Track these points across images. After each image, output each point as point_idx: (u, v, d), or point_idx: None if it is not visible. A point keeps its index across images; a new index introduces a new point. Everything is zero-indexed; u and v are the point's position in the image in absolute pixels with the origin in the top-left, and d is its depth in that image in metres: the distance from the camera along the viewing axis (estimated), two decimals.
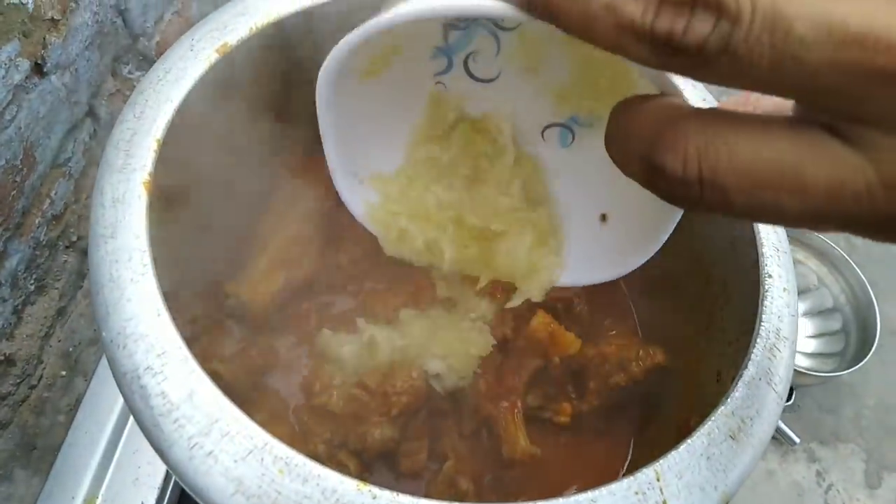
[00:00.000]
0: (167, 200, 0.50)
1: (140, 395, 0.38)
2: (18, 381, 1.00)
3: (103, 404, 0.75)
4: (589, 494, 0.40)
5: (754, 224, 0.54)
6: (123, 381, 0.39)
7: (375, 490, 0.38)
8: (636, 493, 0.41)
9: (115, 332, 0.39)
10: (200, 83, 0.48)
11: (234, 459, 0.37)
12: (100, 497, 0.70)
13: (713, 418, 0.44)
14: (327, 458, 0.58)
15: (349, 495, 0.37)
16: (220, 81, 0.58)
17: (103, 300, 0.40)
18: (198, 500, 0.38)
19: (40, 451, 1.02)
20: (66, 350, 1.08)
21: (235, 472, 0.37)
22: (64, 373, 1.08)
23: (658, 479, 0.42)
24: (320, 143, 0.77)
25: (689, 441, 0.43)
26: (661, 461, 0.42)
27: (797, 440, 1.32)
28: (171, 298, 0.49)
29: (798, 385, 1.37)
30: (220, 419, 0.38)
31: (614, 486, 0.41)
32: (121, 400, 0.76)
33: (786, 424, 1.34)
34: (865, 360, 1.28)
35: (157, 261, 0.43)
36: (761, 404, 0.46)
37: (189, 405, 0.38)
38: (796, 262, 1.49)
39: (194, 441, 0.37)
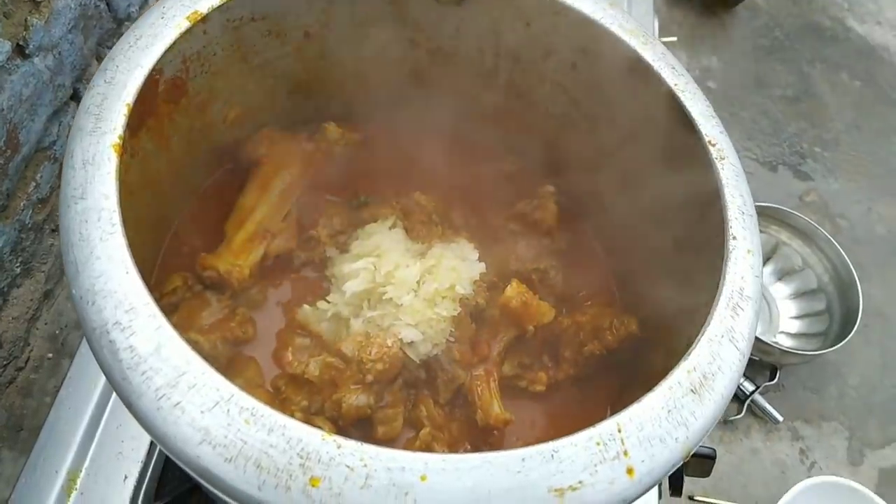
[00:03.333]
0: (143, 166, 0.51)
1: (109, 350, 0.39)
2: (5, 362, 1.00)
3: (87, 380, 0.76)
4: (551, 445, 0.41)
5: (721, 187, 0.55)
6: (93, 337, 0.40)
7: (340, 439, 0.39)
8: (597, 444, 0.42)
9: (85, 289, 0.40)
10: (170, 50, 0.49)
11: (201, 410, 0.38)
12: (83, 471, 0.71)
13: (674, 373, 0.45)
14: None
15: (314, 444, 0.38)
16: (200, 52, 0.59)
17: (73, 258, 0.41)
18: (165, 450, 0.38)
19: (27, 432, 1.02)
20: (52, 333, 1.09)
21: (202, 423, 0.38)
22: (51, 355, 1.08)
23: (619, 431, 0.43)
24: (302, 118, 0.77)
25: (649, 394, 0.44)
26: (622, 413, 0.43)
27: (780, 419, 1.34)
28: (150, 268, 0.49)
29: (782, 364, 1.39)
30: (186, 372, 0.39)
31: (576, 438, 0.42)
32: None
33: (770, 404, 1.35)
34: (848, 338, 1.30)
35: (132, 226, 0.44)
36: (723, 361, 0.47)
37: (156, 358, 0.39)
38: (781, 243, 1.50)
39: (162, 392, 0.38)
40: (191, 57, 0.57)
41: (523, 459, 0.40)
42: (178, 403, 0.38)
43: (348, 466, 0.38)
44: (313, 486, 0.37)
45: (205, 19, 0.53)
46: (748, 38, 2.05)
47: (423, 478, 0.38)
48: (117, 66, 0.48)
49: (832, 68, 2.02)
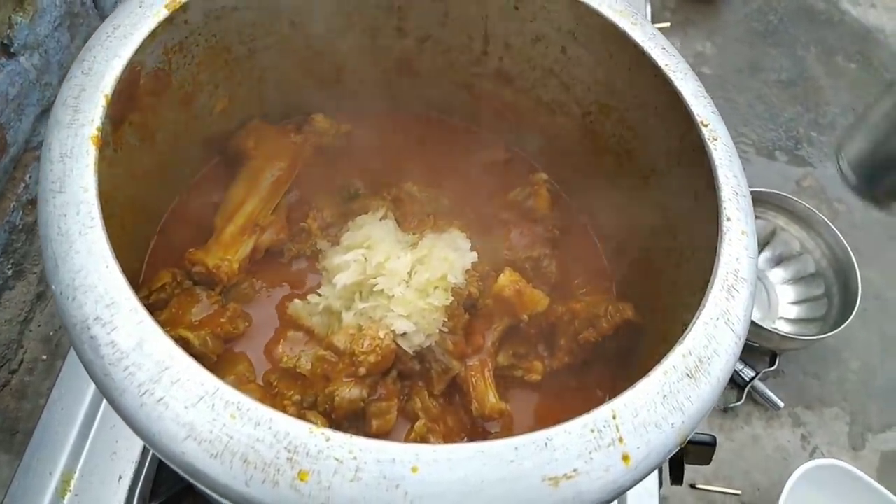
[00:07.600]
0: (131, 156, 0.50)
1: (90, 346, 0.38)
2: None
3: (79, 381, 0.75)
4: (545, 433, 0.40)
5: (714, 168, 0.54)
6: (73, 332, 0.39)
7: (328, 432, 0.38)
8: (592, 431, 0.41)
9: (65, 285, 0.39)
10: (150, 39, 0.48)
11: (185, 405, 0.37)
12: (77, 472, 0.70)
13: (669, 357, 0.45)
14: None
15: (302, 437, 0.37)
16: (182, 42, 0.57)
17: (52, 253, 0.40)
18: (150, 446, 0.38)
19: (22, 434, 1.02)
20: (46, 335, 1.08)
21: (186, 418, 0.37)
22: (45, 357, 1.07)
23: (614, 418, 0.42)
24: (290, 110, 0.76)
25: (644, 380, 0.44)
26: (616, 400, 0.43)
27: (781, 405, 1.33)
28: (138, 265, 0.48)
29: (782, 350, 1.38)
30: (170, 367, 0.38)
31: (570, 425, 0.41)
32: None
33: (770, 390, 1.35)
34: (847, 323, 1.29)
35: (118, 222, 0.43)
36: (719, 344, 0.46)
37: (139, 353, 0.38)
38: (779, 228, 1.49)
39: (144, 388, 0.37)
40: (172, 48, 0.56)
41: (516, 448, 0.39)
42: (161, 399, 0.37)
43: (337, 459, 0.37)
44: (302, 480, 0.36)
45: (185, 8, 0.52)
46: (742, 22, 2.04)
47: (414, 469, 0.37)
48: (95, 57, 0.47)
49: (827, 51, 2.00)
